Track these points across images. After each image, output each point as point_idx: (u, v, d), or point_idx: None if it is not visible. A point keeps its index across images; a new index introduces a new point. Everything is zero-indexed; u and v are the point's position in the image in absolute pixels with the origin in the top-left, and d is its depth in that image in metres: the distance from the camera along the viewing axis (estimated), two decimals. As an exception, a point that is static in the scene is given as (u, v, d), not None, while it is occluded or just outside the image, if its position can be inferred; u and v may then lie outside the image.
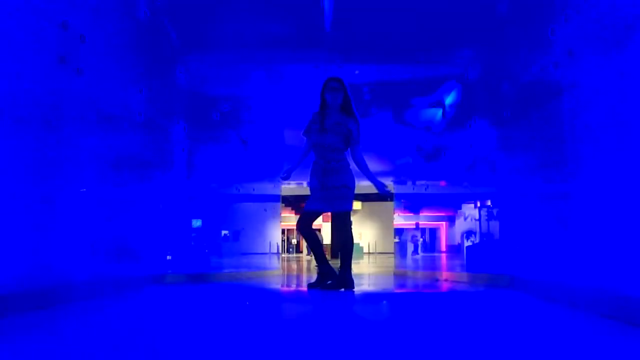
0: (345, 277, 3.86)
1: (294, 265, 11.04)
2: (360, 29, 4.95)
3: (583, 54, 2.62)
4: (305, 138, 4.15)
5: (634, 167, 2.12)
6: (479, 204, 5.66)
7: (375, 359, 1.62)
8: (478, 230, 5.69)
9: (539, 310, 2.78)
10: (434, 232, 27.92)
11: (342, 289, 3.84)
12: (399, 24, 4.86)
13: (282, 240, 23.69)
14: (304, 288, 4.53)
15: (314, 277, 4.41)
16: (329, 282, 3.94)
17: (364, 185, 4.66)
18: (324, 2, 4.67)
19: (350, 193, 3.93)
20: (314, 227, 4.13)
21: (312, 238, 4.07)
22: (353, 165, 4.03)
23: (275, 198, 13.29)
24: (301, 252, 28.25)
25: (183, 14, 4.72)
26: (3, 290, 2.17)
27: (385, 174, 12.87)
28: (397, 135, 8.71)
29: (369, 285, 5.53)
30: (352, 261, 4.00)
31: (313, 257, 4.16)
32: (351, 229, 4.00)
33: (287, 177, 4.11)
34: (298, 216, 4.05)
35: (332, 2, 4.57)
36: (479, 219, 5.61)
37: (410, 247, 19.09)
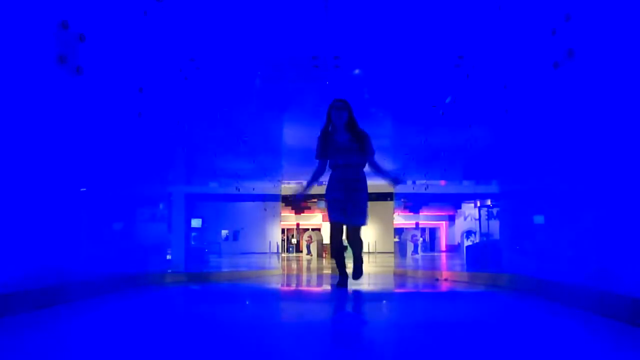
0: (359, 271, 4.40)
1: (294, 265, 11.06)
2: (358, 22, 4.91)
3: (583, 52, 2.62)
4: (318, 161, 4.35)
5: (634, 167, 2.12)
6: (479, 204, 5.66)
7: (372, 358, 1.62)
8: (478, 229, 5.69)
9: (539, 309, 2.78)
10: (433, 231, 27.92)
11: (356, 279, 4.37)
12: (399, 22, 4.86)
13: (282, 240, 23.70)
14: (304, 288, 4.55)
15: (314, 276, 4.46)
16: (346, 281, 4.36)
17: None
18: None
19: (367, 209, 4.35)
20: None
21: (342, 253, 4.45)
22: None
23: (275, 197, 13.30)
24: (301, 251, 28.25)
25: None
26: (3, 289, 2.17)
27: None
28: (397, 135, 8.72)
29: (369, 285, 5.52)
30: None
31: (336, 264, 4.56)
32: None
33: (305, 196, 4.56)
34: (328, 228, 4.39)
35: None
36: (479, 219, 5.61)
37: (410, 247, 19.08)
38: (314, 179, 4.40)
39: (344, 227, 4.21)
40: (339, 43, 5.17)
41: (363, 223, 4.28)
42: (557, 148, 2.96)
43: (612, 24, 2.32)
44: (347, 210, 4.17)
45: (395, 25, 4.86)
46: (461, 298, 4.11)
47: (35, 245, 2.54)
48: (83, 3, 3.05)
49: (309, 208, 25.80)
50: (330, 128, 4.27)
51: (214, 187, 7.12)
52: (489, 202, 5.02)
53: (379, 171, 4.35)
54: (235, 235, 8.74)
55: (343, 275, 4.35)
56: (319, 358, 1.64)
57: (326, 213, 4.37)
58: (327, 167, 4.32)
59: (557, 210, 3.03)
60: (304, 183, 4.51)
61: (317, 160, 4.34)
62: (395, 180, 4.90)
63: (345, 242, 4.35)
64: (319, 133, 4.31)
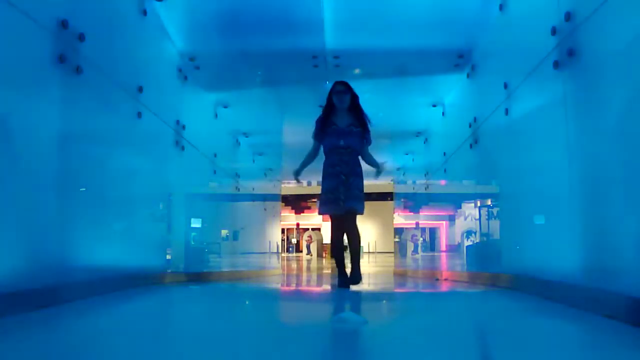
0: (358, 274, 4.14)
1: (294, 265, 11.07)
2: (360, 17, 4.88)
3: (585, 50, 2.61)
4: (313, 141, 4.26)
5: (634, 166, 2.12)
6: (479, 204, 5.66)
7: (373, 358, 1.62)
8: (478, 229, 5.69)
9: (539, 309, 2.78)
10: (433, 231, 27.87)
11: (356, 284, 4.12)
12: (399, 20, 4.85)
13: (282, 240, 23.71)
14: (304, 287, 4.55)
15: (314, 276, 4.45)
16: (347, 281, 4.19)
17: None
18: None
19: (364, 196, 4.21)
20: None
21: (342, 251, 4.30)
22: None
23: (275, 197, 13.31)
24: (301, 251, 28.26)
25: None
26: (3, 289, 2.17)
27: (385, 173, 12.89)
28: (397, 133, 8.71)
29: (369, 284, 5.53)
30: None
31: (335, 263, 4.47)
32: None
33: (297, 176, 4.39)
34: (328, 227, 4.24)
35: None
36: (479, 219, 5.61)
37: (410, 247, 19.07)
38: (308, 160, 4.32)
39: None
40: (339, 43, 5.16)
41: (358, 207, 4.11)
42: (557, 147, 2.96)
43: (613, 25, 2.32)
44: (341, 197, 4.03)
45: (394, 23, 4.85)
46: (461, 298, 4.11)
47: (35, 245, 2.54)
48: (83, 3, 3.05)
49: (309, 208, 25.87)
50: (331, 111, 4.16)
51: (214, 187, 7.11)
52: (489, 202, 5.01)
53: (369, 161, 4.29)
54: (235, 235, 8.73)
55: (343, 276, 4.24)
56: (318, 358, 1.64)
57: (327, 216, 4.31)
58: (322, 151, 4.25)
59: (557, 209, 3.03)
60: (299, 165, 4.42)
61: (313, 141, 4.26)
62: (380, 170, 4.49)
63: (346, 242, 4.28)
64: (320, 115, 4.23)
